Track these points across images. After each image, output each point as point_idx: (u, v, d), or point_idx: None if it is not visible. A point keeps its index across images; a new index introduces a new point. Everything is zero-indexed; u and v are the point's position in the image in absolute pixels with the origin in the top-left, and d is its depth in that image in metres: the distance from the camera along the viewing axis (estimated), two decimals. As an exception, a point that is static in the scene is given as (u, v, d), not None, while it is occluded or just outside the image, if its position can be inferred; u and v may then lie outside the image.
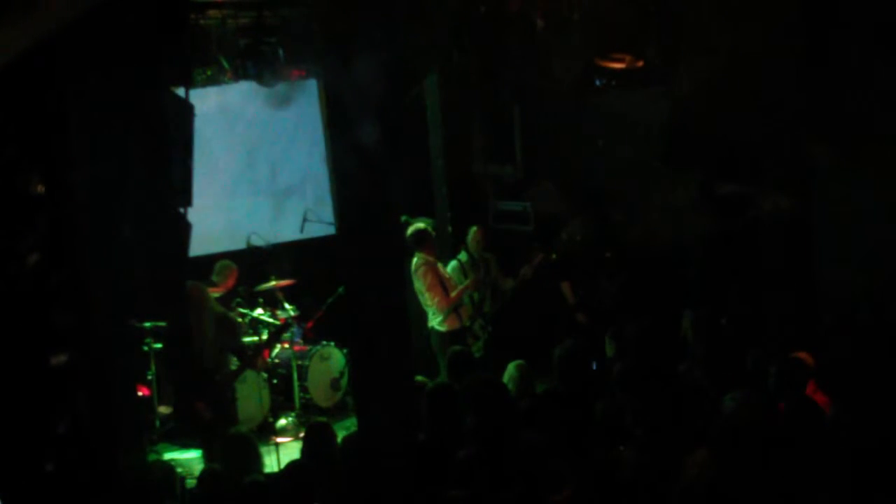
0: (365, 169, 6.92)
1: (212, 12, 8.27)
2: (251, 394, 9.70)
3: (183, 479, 8.86)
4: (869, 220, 8.44)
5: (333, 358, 10.44)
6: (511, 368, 7.47)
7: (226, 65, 8.72)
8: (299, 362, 10.26)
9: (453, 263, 9.97)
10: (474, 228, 10.02)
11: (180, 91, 7.27)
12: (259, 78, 8.83)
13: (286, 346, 10.37)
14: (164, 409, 10.13)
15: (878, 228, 8.36)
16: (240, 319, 9.88)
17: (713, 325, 7.31)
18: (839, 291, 8.56)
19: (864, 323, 7.37)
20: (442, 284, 9.57)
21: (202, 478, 6.49)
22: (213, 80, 9.39)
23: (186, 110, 7.09)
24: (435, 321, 9.71)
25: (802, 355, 6.47)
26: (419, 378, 7.25)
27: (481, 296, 9.91)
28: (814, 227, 9.20)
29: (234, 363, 9.17)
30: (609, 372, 6.93)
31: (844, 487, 5.19)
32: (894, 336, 7.03)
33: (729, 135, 8.89)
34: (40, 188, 5.15)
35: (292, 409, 10.23)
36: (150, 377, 9.94)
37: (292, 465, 6.23)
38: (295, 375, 10.23)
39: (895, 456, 5.24)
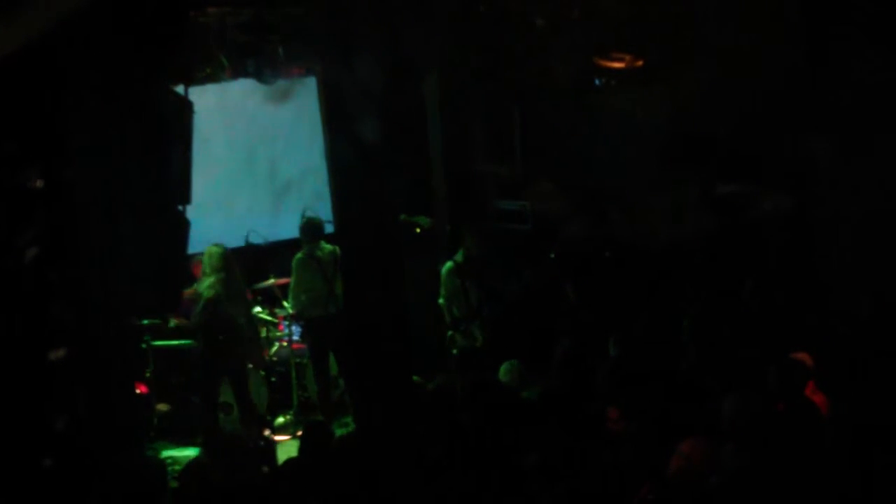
0: (364, 167, 6.94)
1: (211, 9, 8.25)
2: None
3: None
4: (869, 220, 8.44)
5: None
6: (504, 368, 7.47)
7: (225, 62, 8.71)
8: (297, 360, 10.24)
9: (448, 264, 9.85)
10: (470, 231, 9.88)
11: (179, 88, 7.26)
12: (258, 75, 8.81)
13: (285, 343, 10.35)
14: (161, 407, 10.10)
15: (878, 228, 8.36)
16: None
17: (711, 324, 7.28)
18: (840, 291, 8.55)
19: (866, 322, 7.35)
20: None
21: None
22: (212, 78, 9.38)
23: (185, 107, 7.09)
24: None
25: (802, 356, 6.46)
26: (415, 377, 7.25)
27: (478, 298, 9.77)
28: (814, 227, 9.19)
29: None
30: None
31: (841, 487, 5.18)
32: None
33: (729, 134, 8.89)
34: (39, 183, 5.13)
35: (290, 407, 10.21)
36: (147, 375, 9.92)
37: (290, 463, 6.23)
38: (293, 373, 10.21)
39: (892, 456, 5.24)
